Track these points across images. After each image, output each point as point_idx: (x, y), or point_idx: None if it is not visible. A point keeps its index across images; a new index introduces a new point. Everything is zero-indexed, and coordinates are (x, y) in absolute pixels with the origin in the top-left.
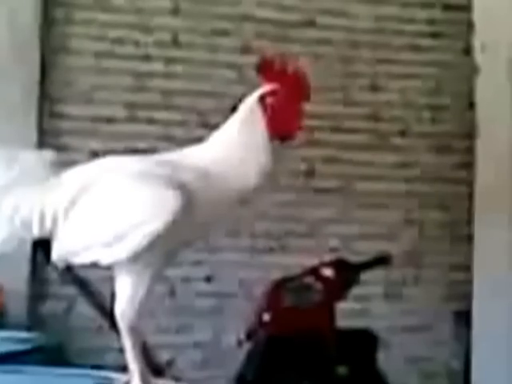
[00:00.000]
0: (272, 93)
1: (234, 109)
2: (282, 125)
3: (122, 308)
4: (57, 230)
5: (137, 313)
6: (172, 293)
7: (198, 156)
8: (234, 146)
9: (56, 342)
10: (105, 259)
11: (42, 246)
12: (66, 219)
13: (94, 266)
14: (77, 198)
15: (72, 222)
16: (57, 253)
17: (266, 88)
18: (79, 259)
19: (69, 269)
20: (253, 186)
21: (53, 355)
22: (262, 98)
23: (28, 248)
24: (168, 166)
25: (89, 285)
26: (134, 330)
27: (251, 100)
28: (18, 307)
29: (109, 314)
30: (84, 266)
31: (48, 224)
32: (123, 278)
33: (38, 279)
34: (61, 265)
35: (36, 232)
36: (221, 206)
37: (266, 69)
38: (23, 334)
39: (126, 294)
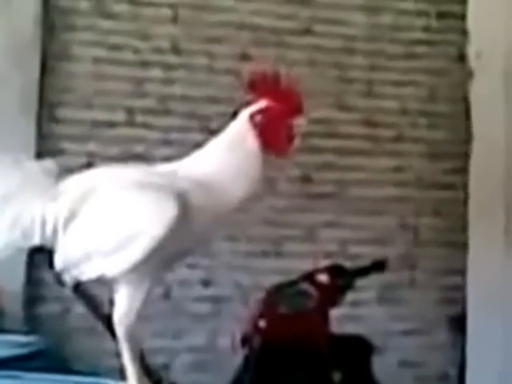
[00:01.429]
0: (263, 109)
1: (235, 114)
2: (272, 142)
3: (121, 315)
4: (58, 240)
5: (135, 320)
6: (168, 296)
7: (194, 166)
8: (227, 158)
9: (54, 345)
10: (109, 272)
11: (42, 252)
12: (66, 228)
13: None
14: (77, 207)
15: (72, 231)
16: (59, 263)
17: (256, 105)
18: (86, 275)
19: (77, 286)
20: (246, 196)
21: (51, 360)
22: (252, 115)
23: (25, 251)
24: (165, 175)
25: (95, 301)
26: (131, 336)
27: (242, 117)
28: (14, 309)
29: (107, 320)
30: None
31: (49, 233)
32: (122, 286)
33: (34, 281)
34: (70, 282)
35: (37, 241)
36: (217, 214)
37: (257, 85)
38: (21, 338)
39: (124, 301)
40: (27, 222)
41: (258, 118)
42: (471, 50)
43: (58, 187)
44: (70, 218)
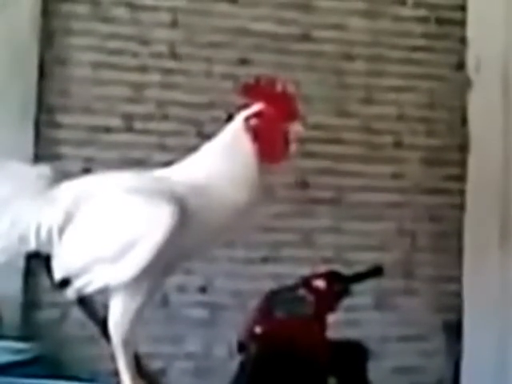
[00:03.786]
0: (257, 114)
1: (229, 118)
2: (267, 146)
3: (116, 322)
4: (54, 245)
5: (130, 327)
6: (165, 302)
7: (190, 171)
8: (222, 161)
9: (51, 351)
10: (114, 280)
11: (39, 258)
12: (61, 234)
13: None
14: (72, 213)
15: (70, 238)
16: (59, 272)
17: (251, 109)
18: (91, 287)
19: (82, 299)
20: (245, 200)
21: (49, 366)
22: (247, 119)
23: (22, 257)
24: (162, 180)
25: (93, 306)
26: (126, 343)
27: (237, 121)
28: (12, 315)
29: (103, 326)
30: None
31: (44, 238)
32: (117, 293)
33: (31, 287)
34: (73, 295)
35: (33, 247)
36: (216, 219)
37: (252, 89)
38: (19, 344)
39: (120, 308)
40: (23, 227)
41: (253, 121)
42: (470, 58)
43: (53, 192)
44: (65, 223)
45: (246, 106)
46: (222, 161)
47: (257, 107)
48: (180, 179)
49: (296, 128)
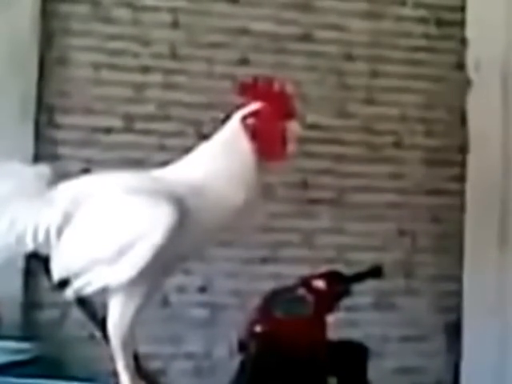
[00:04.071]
0: (255, 113)
1: (227, 118)
2: (265, 144)
3: (114, 325)
4: (52, 246)
5: (129, 327)
6: (165, 302)
7: (188, 171)
8: (220, 161)
9: (52, 351)
10: (113, 281)
11: (39, 258)
12: (59, 235)
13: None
14: (71, 214)
15: (69, 238)
16: (58, 273)
17: (248, 108)
18: (90, 287)
19: (81, 300)
20: (244, 200)
21: (48, 366)
22: (244, 118)
23: (21, 257)
24: (160, 180)
25: (93, 307)
26: (125, 345)
27: (234, 120)
28: (12, 315)
29: (102, 325)
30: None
31: (42, 239)
32: (116, 294)
33: (31, 287)
34: (72, 296)
35: (31, 247)
36: (214, 219)
37: (249, 88)
38: (18, 344)
39: (118, 310)
40: (21, 228)
41: (250, 120)
42: (470, 58)
43: (51, 193)
44: (63, 224)
45: (243, 106)
46: (219, 160)
47: (254, 106)
48: (178, 179)
49: (293, 127)
